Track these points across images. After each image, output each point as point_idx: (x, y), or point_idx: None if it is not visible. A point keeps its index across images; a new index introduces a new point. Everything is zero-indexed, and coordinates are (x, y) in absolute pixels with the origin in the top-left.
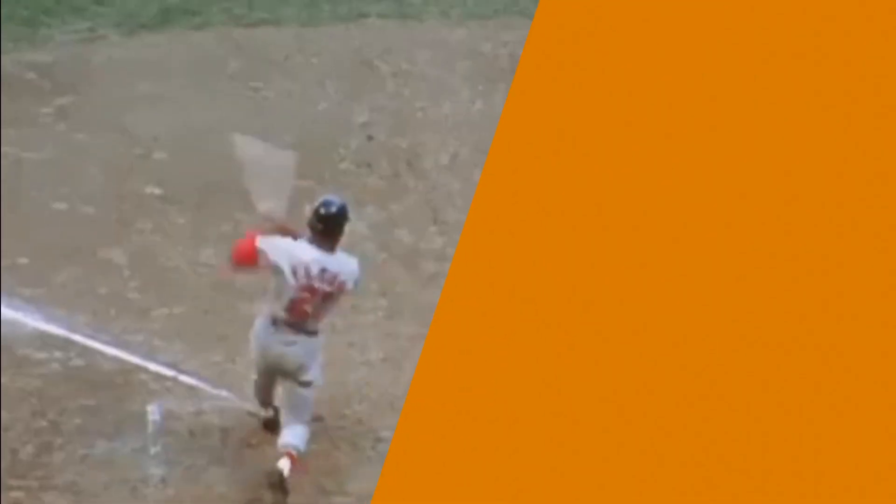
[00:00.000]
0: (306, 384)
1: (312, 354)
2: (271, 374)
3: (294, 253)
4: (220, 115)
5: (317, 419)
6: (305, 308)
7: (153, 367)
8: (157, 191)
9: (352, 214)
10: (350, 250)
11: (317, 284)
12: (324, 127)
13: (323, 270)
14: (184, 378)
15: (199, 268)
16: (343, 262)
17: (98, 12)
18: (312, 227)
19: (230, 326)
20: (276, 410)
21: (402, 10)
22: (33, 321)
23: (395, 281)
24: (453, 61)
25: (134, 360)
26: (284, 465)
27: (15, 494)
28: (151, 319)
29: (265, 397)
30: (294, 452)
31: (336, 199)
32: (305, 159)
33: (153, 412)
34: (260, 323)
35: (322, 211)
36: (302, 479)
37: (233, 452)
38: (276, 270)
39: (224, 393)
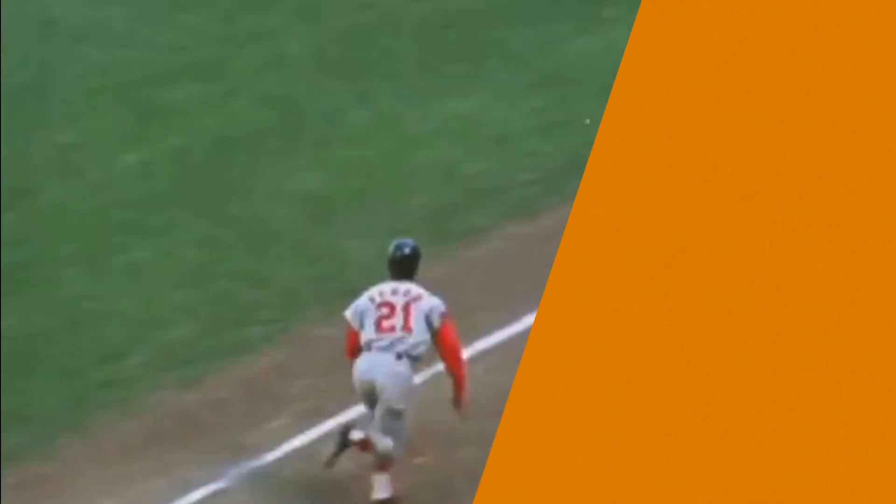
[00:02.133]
0: (393, 412)
1: (398, 379)
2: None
3: (371, 291)
4: None
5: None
6: (391, 323)
7: None
8: None
9: None
10: None
11: (390, 298)
12: None
13: (394, 290)
14: None
15: None
16: (417, 287)
17: None
18: (390, 268)
19: None
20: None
21: None
22: None
23: None
24: None
25: None
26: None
27: None
28: None
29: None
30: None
31: (409, 241)
32: None
33: None
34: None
35: (397, 254)
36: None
37: None
38: (364, 314)
39: None
